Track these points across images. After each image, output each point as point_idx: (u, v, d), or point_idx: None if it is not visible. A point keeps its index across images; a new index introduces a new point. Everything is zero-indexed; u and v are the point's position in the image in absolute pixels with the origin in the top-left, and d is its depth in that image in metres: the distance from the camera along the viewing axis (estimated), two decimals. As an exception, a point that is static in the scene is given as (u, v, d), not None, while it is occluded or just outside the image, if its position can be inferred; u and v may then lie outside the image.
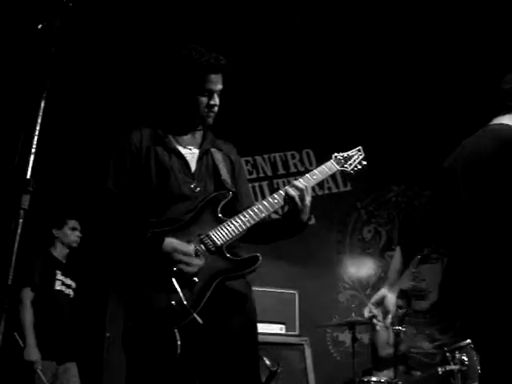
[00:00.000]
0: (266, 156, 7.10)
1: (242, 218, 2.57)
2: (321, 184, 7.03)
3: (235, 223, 2.55)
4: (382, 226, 7.03)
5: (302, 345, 4.07)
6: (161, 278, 2.37)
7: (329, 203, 6.97)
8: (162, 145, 2.68)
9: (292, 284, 5.40)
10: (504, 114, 2.77)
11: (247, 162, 6.99)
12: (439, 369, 4.37)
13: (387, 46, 6.56)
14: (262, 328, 4.27)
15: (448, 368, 4.30)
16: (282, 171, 7.07)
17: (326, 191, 7.03)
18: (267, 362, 3.70)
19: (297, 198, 2.57)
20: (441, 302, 6.74)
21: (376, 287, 6.70)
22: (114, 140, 2.78)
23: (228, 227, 2.54)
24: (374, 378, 4.53)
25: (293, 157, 7.13)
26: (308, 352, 4.03)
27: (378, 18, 6.18)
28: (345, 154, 2.93)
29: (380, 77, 6.90)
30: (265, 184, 6.98)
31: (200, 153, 2.74)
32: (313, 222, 6.83)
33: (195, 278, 2.39)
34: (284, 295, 4.65)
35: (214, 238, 2.50)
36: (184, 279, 2.37)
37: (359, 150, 2.99)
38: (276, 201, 2.64)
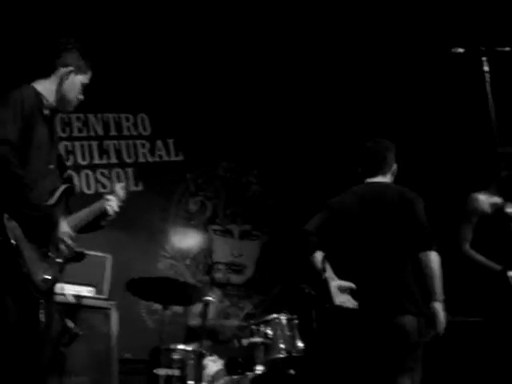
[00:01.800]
0: (99, 115, 6.85)
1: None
2: (152, 151, 6.94)
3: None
4: (209, 199, 7.10)
5: (109, 309, 3.99)
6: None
7: (158, 170, 6.90)
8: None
9: (109, 248, 5.26)
10: (380, 174, 3.53)
11: (78, 118, 6.71)
12: (244, 341, 4.49)
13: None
14: (70, 289, 4.15)
15: (252, 340, 4.44)
16: (114, 132, 6.86)
17: (157, 158, 6.95)
18: (69, 324, 3.63)
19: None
20: (255, 277, 6.98)
21: (196, 259, 6.78)
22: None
23: None
24: (179, 346, 4.57)
25: (127, 119, 6.94)
26: (114, 316, 3.96)
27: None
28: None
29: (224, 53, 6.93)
30: (94, 144, 6.74)
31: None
32: (140, 187, 6.74)
33: None
34: (95, 258, 4.52)
35: None
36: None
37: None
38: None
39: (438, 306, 3.13)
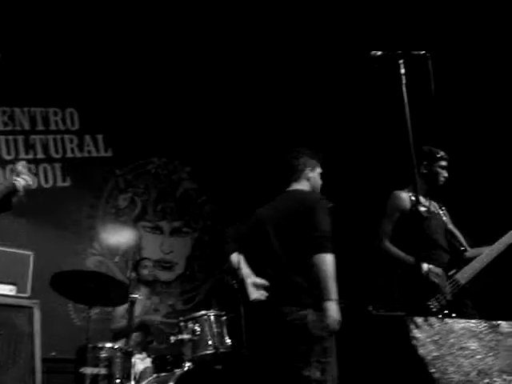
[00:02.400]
0: (25, 109, 6.67)
1: None
2: (81, 146, 6.82)
3: None
4: (139, 195, 7.03)
5: (32, 308, 3.89)
6: None
7: (87, 167, 6.79)
8: None
9: (35, 245, 5.14)
10: (293, 182, 3.73)
11: (4, 112, 6.52)
12: (172, 338, 4.49)
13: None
14: (-9, 288, 4.02)
15: (180, 337, 4.44)
16: (41, 127, 6.70)
17: (86, 154, 6.83)
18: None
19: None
20: (186, 273, 6.97)
21: (125, 255, 6.71)
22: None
23: None
24: (107, 344, 4.52)
25: (55, 114, 6.79)
26: (37, 315, 3.87)
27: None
28: None
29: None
30: (20, 138, 6.56)
31: None
32: (68, 183, 6.62)
33: None
34: (17, 255, 4.39)
35: None
36: None
37: None
38: None
39: (330, 305, 3.26)
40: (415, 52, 2.16)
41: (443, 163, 4.00)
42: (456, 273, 3.76)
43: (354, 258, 6.53)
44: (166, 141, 7.16)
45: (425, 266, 3.70)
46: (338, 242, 7.06)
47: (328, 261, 3.32)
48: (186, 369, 4.30)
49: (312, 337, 3.28)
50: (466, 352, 1.63)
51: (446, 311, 3.62)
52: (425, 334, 1.60)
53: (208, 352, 4.36)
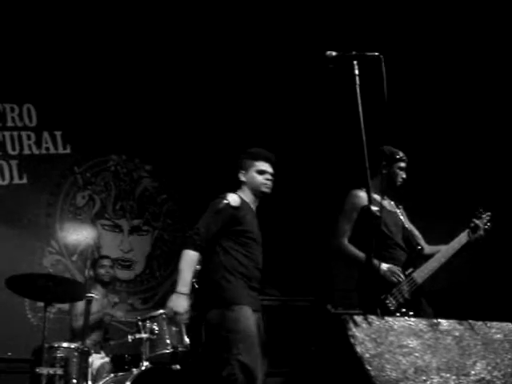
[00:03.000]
0: (-19, 105, 6.54)
1: None
2: (39, 143, 6.70)
3: None
4: (98, 193, 6.93)
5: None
6: None
7: (45, 164, 6.68)
8: None
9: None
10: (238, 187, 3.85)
11: (-42, 108, 6.39)
12: (129, 337, 4.46)
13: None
14: None
15: (138, 336, 4.41)
16: (-2, 123, 6.57)
17: (44, 151, 6.72)
18: None
19: None
20: (145, 272, 6.92)
21: (83, 254, 6.63)
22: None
23: None
24: (63, 344, 4.46)
25: (12, 110, 6.65)
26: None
27: None
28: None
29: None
30: (-24, 135, 6.44)
31: None
32: (25, 181, 6.51)
33: None
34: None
35: None
36: None
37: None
38: None
39: (172, 295, 3.50)
40: (369, 53, 2.18)
41: (402, 164, 4.05)
42: (413, 271, 3.81)
43: (317, 256, 6.60)
44: (126, 138, 7.08)
45: (383, 266, 3.74)
46: (301, 241, 7.13)
47: (184, 256, 3.49)
48: (143, 368, 4.27)
49: (218, 336, 3.48)
50: (405, 350, 1.66)
51: (404, 309, 3.67)
52: (363, 332, 1.62)
53: (166, 351, 4.35)
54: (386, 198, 4.12)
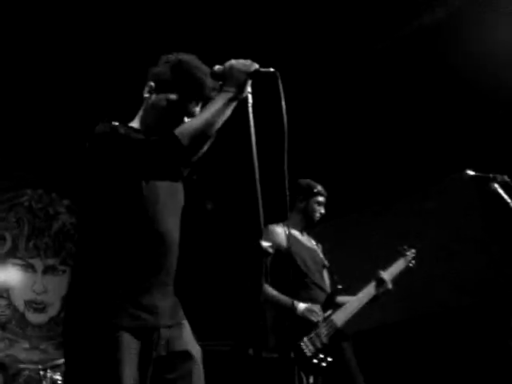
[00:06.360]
0: None
1: None
2: None
3: None
4: (9, 230, 6.42)
5: None
6: None
7: None
8: None
9: None
10: None
11: None
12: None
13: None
14: None
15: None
16: None
17: None
18: None
19: None
20: (60, 315, 6.43)
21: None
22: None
23: None
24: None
25: None
26: None
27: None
28: None
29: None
30: None
31: None
32: None
33: None
34: None
35: None
36: None
37: None
38: None
39: None
40: (263, 69, 1.95)
41: (320, 199, 3.85)
42: (332, 314, 3.58)
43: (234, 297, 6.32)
44: (42, 171, 6.64)
45: (300, 305, 3.50)
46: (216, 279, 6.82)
47: None
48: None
49: None
50: None
51: (322, 356, 3.41)
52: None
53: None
54: (304, 233, 3.91)
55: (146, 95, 2.28)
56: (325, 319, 3.50)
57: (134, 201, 2.09)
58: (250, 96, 1.99)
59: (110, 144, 2.06)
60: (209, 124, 2.00)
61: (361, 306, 3.64)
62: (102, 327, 1.96)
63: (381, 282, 3.74)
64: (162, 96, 2.23)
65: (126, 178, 2.05)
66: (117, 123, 2.14)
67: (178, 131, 1.99)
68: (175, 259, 2.20)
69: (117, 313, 1.99)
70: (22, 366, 4.99)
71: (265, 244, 1.75)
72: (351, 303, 3.63)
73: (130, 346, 1.97)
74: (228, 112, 2.03)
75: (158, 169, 2.02)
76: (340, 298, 3.69)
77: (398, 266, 3.88)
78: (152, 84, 2.27)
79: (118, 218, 2.08)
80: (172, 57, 2.29)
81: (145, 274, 2.07)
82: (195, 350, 2.16)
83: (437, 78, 5.51)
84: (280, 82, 1.93)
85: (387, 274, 3.78)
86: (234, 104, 2.02)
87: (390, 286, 3.75)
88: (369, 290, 3.71)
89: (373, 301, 3.73)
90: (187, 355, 2.10)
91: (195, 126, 2.01)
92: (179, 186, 2.36)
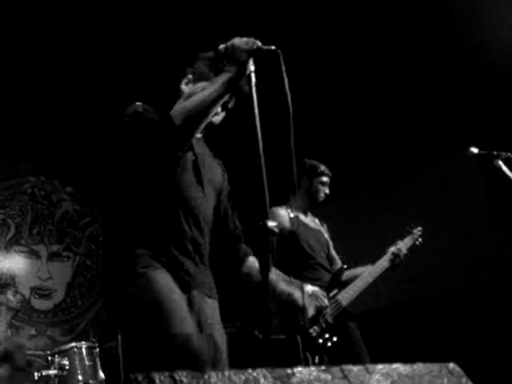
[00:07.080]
0: None
1: None
2: None
3: None
4: (12, 217, 6.43)
5: None
6: None
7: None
8: None
9: None
10: None
11: None
12: (35, 374, 4.07)
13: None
14: None
15: (45, 373, 4.03)
16: None
17: None
18: None
19: None
20: (66, 301, 6.45)
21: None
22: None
23: None
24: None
25: None
26: None
27: None
28: None
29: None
30: None
31: None
32: None
33: None
34: None
35: None
36: None
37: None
38: None
39: None
40: (265, 47, 1.92)
41: (324, 179, 3.84)
42: (338, 293, 3.58)
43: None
44: (45, 158, 6.64)
45: (308, 288, 3.50)
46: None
47: None
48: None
49: None
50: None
51: (327, 335, 3.42)
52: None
53: (76, 389, 3.98)
54: (309, 214, 3.90)
55: (183, 87, 2.44)
56: (330, 299, 3.50)
57: (169, 180, 2.24)
58: (253, 74, 1.98)
59: (132, 126, 2.24)
60: (203, 104, 2.09)
61: (367, 284, 3.63)
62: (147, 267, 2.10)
63: (396, 254, 3.74)
64: (198, 85, 2.36)
65: (151, 157, 2.19)
66: (141, 108, 2.28)
67: (172, 111, 2.14)
68: (208, 239, 2.35)
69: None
70: (29, 352, 4.99)
71: (270, 223, 1.74)
72: (360, 279, 3.63)
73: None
74: (226, 91, 2.09)
75: (159, 146, 2.14)
76: (352, 271, 3.70)
77: (405, 243, 3.87)
78: (190, 76, 2.46)
79: (153, 199, 2.23)
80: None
81: (179, 249, 2.21)
82: (220, 333, 2.29)
83: (440, 55, 5.48)
84: (282, 59, 1.91)
85: (401, 245, 3.80)
86: (235, 82, 2.04)
87: (404, 251, 3.76)
88: (382, 263, 3.71)
89: (390, 270, 3.71)
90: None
91: (188, 106, 2.12)
92: (218, 170, 2.56)
